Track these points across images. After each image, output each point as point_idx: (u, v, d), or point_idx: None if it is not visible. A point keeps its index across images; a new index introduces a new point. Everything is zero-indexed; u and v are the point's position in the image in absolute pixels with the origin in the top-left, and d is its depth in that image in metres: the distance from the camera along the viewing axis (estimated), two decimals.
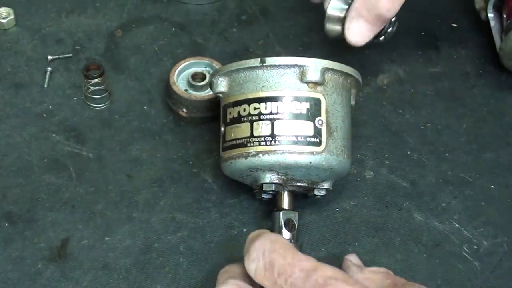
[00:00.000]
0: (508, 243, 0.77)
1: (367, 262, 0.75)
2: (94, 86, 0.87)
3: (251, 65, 0.72)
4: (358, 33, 0.79)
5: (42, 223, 0.77)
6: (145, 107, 0.88)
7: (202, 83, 0.86)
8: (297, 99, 0.71)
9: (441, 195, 0.81)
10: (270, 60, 0.71)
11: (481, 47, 0.95)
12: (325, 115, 0.71)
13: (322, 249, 0.77)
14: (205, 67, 0.89)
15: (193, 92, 0.86)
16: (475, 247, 0.77)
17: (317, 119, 0.71)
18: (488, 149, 0.85)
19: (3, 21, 0.95)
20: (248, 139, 0.72)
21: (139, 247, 0.76)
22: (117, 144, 0.84)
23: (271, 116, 0.71)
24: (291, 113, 0.71)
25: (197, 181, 0.81)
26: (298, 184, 0.73)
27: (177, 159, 0.83)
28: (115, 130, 0.86)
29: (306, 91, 0.71)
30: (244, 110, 0.72)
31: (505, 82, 0.92)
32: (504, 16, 0.91)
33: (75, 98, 0.89)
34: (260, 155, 0.71)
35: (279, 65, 0.71)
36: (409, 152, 0.85)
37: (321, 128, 0.71)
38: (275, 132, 0.71)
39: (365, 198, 0.81)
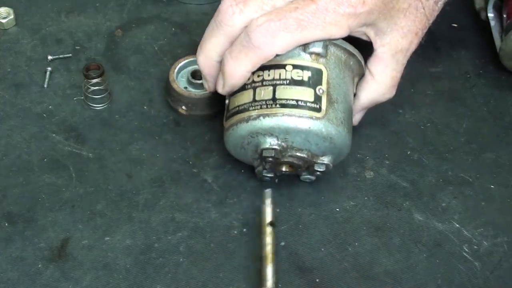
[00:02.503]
0: (508, 243, 0.77)
1: (367, 262, 0.75)
2: (94, 86, 0.87)
3: None
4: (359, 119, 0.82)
5: (42, 223, 0.77)
6: (145, 107, 0.88)
7: (202, 81, 0.86)
8: (299, 67, 0.73)
9: (441, 195, 0.81)
10: None
11: (481, 47, 0.95)
12: (326, 85, 0.73)
13: (322, 249, 0.77)
14: None
15: (193, 90, 0.87)
16: (475, 247, 0.77)
17: (318, 87, 0.72)
18: (488, 149, 0.85)
19: (3, 21, 0.95)
20: (250, 104, 0.73)
21: (139, 247, 0.76)
22: (117, 144, 0.84)
23: (273, 82, 0.72)
24: (293, 79, 0.72)
25: (197, 181, 0.81)
26: (298, 154, 0.74)
27: (177, 159, 0.83)
28: (115, 130, 0.86)
29: (309, 61, 0.73)
30: (248, 78, 0.74)
31: (505, 82, 0.92)
32: (504, 16, 0.91)
33: (75, 98, 0.89)
34: (261, 117, 0.72)
35: None
36: (409, 152, 0.85)
37: (321, 96, 0.72)
38: (277, 96, 0.72)
39: (365, 198, 0.81)
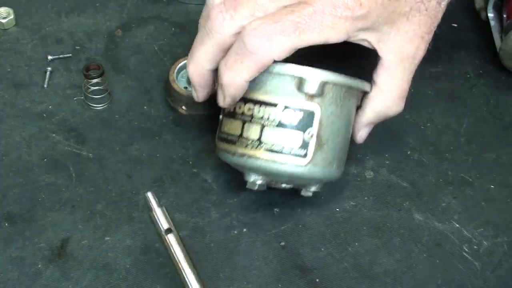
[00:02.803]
0: (508, 243, 0.77)
1: (367, 262, 0.75)
2: (94, 86, 0.87)
3: None
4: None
5: (42, 223, 0.77)
6: (145, 107, 0.88)
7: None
8: (290, 108, 0.70)
9: (441, 195, 0.81)
10: (270, 66, 0.69)
11: (481, 47, 0.95)
12: (317, 127, 0.70)
13: (322, 249, 0.77)
14: None
15: None
16: (475, 247, 0.77)
17: (307, 130, 0.70)
18: (488, 149, 0.85)
19: (3, 21, 0.95)
20: (237, 138, 0.72)
21: (139, 247, 0.76)
22: (117, 144, 0.84)
23: (262, 121, 0.71)
24: (282, 122, 0.70)
25: (197, 181, 0.81)
26: (283, 186, 0.75)
27: (177, 159, 0.83)
28: (115, 130, 0.86)
29: (302, 100, 0.70)
30: (240, 107, 0.72)
31: (505, 82, 0.92)
32: (504, 16, 0.91)
33: (75, 98, 0.89)
34: (245, 157, 0.71)
35: (277, 72, 0.70)
36: (409, 152, 0.85)
37: (309, 142, 0.70)
38: (263, 138, 0.71)
39: (365, 198, 0.81)
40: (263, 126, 0.71)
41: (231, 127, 0.73)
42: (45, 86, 0.90)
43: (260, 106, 0.71)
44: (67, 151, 0.83)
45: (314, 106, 0.70)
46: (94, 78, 0.86)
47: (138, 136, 0.85)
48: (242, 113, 0.72)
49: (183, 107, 0.86)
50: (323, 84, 0.70)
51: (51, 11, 0.98)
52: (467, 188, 0.82)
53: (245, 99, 0.71)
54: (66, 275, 0.74)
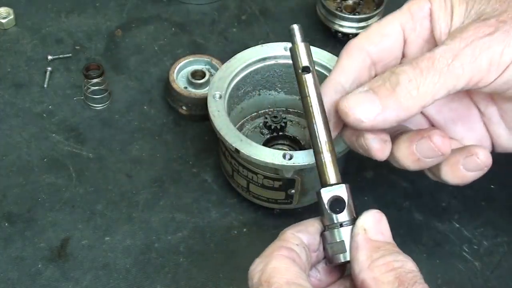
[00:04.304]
0: (508, 243, 0.77)
1: None
2: (94, 86, 0.87)
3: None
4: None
5: (42, 223, 0.77)
6: (145, 107, 0.88)
7: (202, 81, 0.87)
8: (270, 177, 0.74)
9: (441, 195, 0.81)
10: (244, 155, 0.71)
11: None
12: (299, 186, 0.75)
13: None
14: (205, 65, 0.89)
15: (193, 90, 0.87)
16: (475, 247, 0.77)
17: (290, 190, 0.75)
18: None
19: (3, 21, 0.95)
20: (232, 173, 0.77)
21: (139, 247, 0.76)
22: (117, 144, 0.84)
23: (247, 178, 0.76)
24: (264, 185, 0.75)
25: (197, 181, 0.81)
26: None
27: (177, 159, 0.83)
28: (115, 130, 0.86)
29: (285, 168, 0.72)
30: (233, 157, 0.75)
31: None
32: None
33: (75, 98, 0.89)
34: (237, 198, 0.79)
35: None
36: None
37: (293, 195, 0.75)
38: (250, 189, 0.77)
39: (365, 198, 0.81)
40: (248, 182, 0.76)
41: (225, 161, 0.78)
42: (45, 86, 0.90)
43: (244, 168, 0.75)
44: (67, 151, 0.83)
45: (294, 176, 0.73)
46: (94, 78, 0.86)
47: (138, 136, 0.85)
48: (234, 163, 0.76)
49: (183, 107, 0.86)
50: (299, 170, 0.72)
51: (51, 11, 0.98)
52: (467, 188, 0.82)
53: (231, 151, 0.74)
54: (66, 275, 0.74)
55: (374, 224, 0.57)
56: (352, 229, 0.57)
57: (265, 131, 0.83)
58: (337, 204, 0.58)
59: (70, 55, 0.93)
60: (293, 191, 0.75)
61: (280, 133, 0.82)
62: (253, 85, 0.81)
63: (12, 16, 0.95)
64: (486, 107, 0.66)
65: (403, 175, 0.83)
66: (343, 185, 0.58)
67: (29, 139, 0.84)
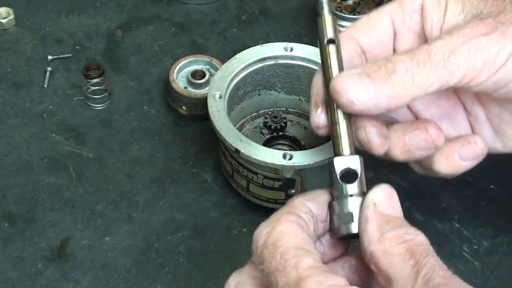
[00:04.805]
0: (508, 243, 0.77)
1: None
2: (94, 86, 0.87)
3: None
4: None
5: (42, 223, 0.77)
6: (145, 107, 0.88)
7: (202, 81, 0.87)
8: (270, 177, 0.74)
9: (441, 195, 0.81)
10: (244, 155, 0.71)
11: None
12: (299, 186, 0.75)
13: None
14: (205, 65, 0.89)
15: (193, 90, 0.87)
16: (475, 247, 0.77)
17: (290, 190, 0.75)
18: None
19: (3, 21, 0.95)
20: (232, 173, 0.77)
21: (139, 247, 0.76)
22: (117, 144, 0.84)
23: (247, 178, 0.76)
24: (264, 185, 0.75)
25: (197, 181, 0.81)
26: None
27: (177, 159, 0.83)
28: (115, 130, 0.86)
29: (285, 168, 0.72)
30: (233, 157, 0.75)
31: None
32: None
33: (75, 98, 0.89)
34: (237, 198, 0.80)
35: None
36: None
37: (293, 195, 0.75)
38: (250, 189, 0.77)
39: None
40: (248, 182, 0.76)
41: (225, 160, 0.78)
42: (45, 86, 0.90)
43: (243, 168, 0.75)
44: (67, 151, 0.83)
45: (295, 176, 0.73)
46: (94, 78, 0.86)
47: (138, 136, 0.85)
48: (234, 163, 0.76)
49: (183, 107, 0.86)
50: (299, 170, 0.72)
51: (51, 11, 0.98)
52: (467, 188, 0.82)
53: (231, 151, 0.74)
54: (66, 275, 0.74)
55: (385, 198, 0.56)
56: (362, 202, 0.56)
57: (265, 131, 0.83)
58: (348, 175, 0.57)
59: (70, 55, 0.93)
60: (293, 191, 0.75)
61: (280, 133, 0.82)
62: (253, 85, 0.81)
63: (12, 16, 0.95)
64: (473, 107, 0.66)
65: (403, 175, 0.82)
66: (357, 156, 0.57)
67: (29, 139, 0.84)
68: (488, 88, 0.59)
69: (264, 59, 0.79)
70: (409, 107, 0.67)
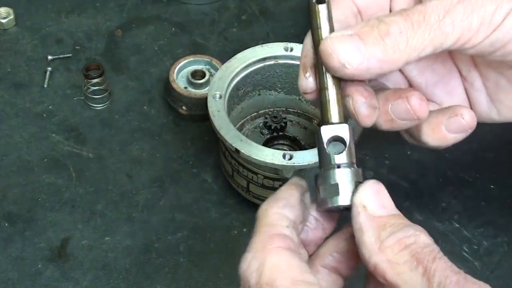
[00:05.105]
0: (508, 243, 0.77)
1: None
2: (94, 86, 0.87)
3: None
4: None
5: (42, 223, 0.77)
6: (145, 107, 0.88)
7: (202, 81, 0.87)
8: (270, 177, 0.74)
9: (441, 195, 0.81)
10: (244, 155, 0.71)
11: None
12: None
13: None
14: (205, 65, 0.89)
15: (193, 90, 0.87)
16: (475, 247, 0.77)
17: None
18: (488, 149, 0.85)
19: (3, 21, 0.95)
20: (232, 173, 0.77)
21: (139, 247, 0.76)
22: (117, 144, 0.84)
23: (247, 178, 0.76)
24: (264, 185, 0.75)
25: (197, 181, 0.81)
26: None
27: (177, 159, 0.83)
28: (115, 130, 0.86)
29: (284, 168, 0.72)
30: (233, 157, 0.75)
31: None
32: None
33: (75, 98, 0.89)
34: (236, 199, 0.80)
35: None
36: (409, 152, 0.85)
37: None
38: (250, 189, 0.77)
39: None
40: (248, 182, 0.76)
41: (224, 160, 0.78)
42: (45, 86, 0.90)
43: (244, 168, 0.75)
44: (67, 151, 0.83)
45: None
46: (94, 78, 0.86)
47: (138, 136, 0.85)
48: (234, 164, 0.76)
49: (183, 107, 0.86)
50: (299, 170, 0.72)
51: (51, 11, 0.98)
52: (467, 188, 0.82)
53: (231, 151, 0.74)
54: (66, 275, 0.74)
55: (373, 197, 0.52)
56: (350, 174, 0.52)
57: (265, 131, 0.83)
58: (336, 144, 0.54)
59: (70, 55, 0.93)
60: None
61: (280, 133, 0.82)
62: (253, 85, 0.81)
63: (12, 16, 0.95)
64: (469, 72, 0.63)
65: (403, 175, 0.83)
66: (346, 125, 0.54)
67: (29, 139, 0.84)
68: (484, 50, 0.56)
69: (264, 59, 0.79)
70: (402, 72, 0.64)
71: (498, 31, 0.55)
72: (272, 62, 0.80)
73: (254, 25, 0.98)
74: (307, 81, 0.57)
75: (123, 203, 0.79)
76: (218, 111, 0.74)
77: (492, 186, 0.82)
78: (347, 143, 0.53)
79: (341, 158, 0.53)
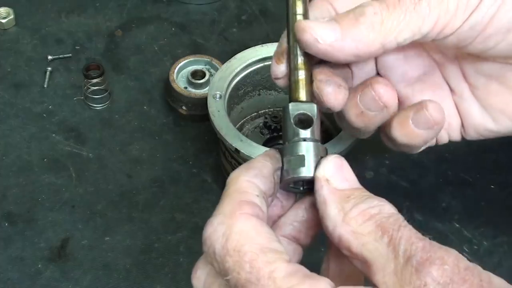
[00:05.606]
0: (508, 243, 0.77)
1: None
2: (94, 86, 0.87)
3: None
4: None
5: (42, 223, 0.77)
6: (145, 107, 0.88)
7: (202, 81, 0.87)
8: None
9: (441, 195, 0.81)
10: (244, 155, 0.71)
11: None
12: None
13: (322, 249, 0.76)
14: (205, 65, 0.89)
15: (193, 90, 0.87)
16: (475, 247, 0.77)
17: None
18: (488, 149, 0.85)
19: (3, 21, 0.95)
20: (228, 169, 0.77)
21: (139, 247, 0.76)
22: (117, 144, 0.84)
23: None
24: None
25: (197, 181, 0.81)
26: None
27: (177, 159, 0.83)
28: (115, 130, 0.86)
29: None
30: (225, 155, 0.75)
31: None
32: None
33: (75, 98, 0.89)
34: None
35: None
36: None
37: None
38: None
39: None
40: None
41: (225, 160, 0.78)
42: (45, 86, 0.90)
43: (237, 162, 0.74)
44: (67, 151, 0.83)
45: None
46: (94, 78, 0.86)
47: (138, 136, 0.85)
48: (228, 157, 0.76)
49: (183, 107, 0.86)
50: None
51: (51, 11, 0.98)
52: (467, 188, 0.82)
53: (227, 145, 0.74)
54: (66, 275, 0.74)
55: (336, 171, 0.51)
56: (314, 147, 0.52)
57: (265, 131, 0.83)
58: (303, 121, 0.54)
59: (70, 55, 0.93)
60: None
61: (280, 133, 0.82)
62: (253, 85, 0.81)
63: (12, 16, 0.95)
64: (458, 84, 0.63)
65: (403, 175, 0.83)
66: (313, 104, 0.54)
67: (29, 139, 0.84)
68: (465, 36, 0.56)
69: (264, 59, 0.79)
70: (392, 82, 0.62)
71: (476, 13, 0.54)
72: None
73: (254, 25, 0.98)
74: (279, 66, 0.58)
75: (123, 203, 0.79)
76: (218, 111, 0.74)
77: (492, 186, 0.82)
78: (314, 120, 0.53)
79: (307, 132, 0.53)
